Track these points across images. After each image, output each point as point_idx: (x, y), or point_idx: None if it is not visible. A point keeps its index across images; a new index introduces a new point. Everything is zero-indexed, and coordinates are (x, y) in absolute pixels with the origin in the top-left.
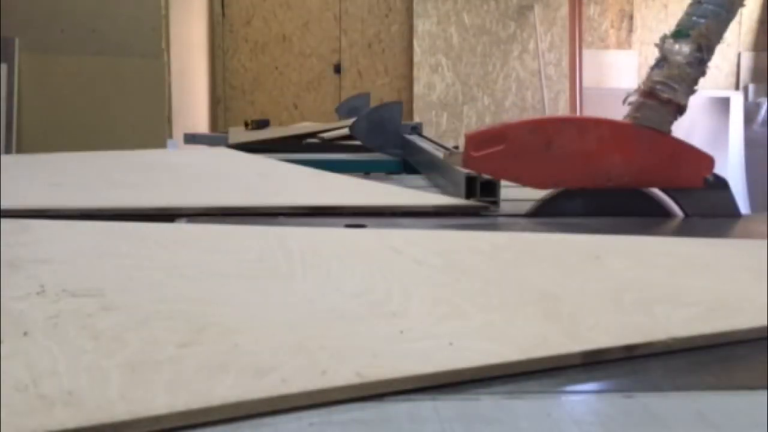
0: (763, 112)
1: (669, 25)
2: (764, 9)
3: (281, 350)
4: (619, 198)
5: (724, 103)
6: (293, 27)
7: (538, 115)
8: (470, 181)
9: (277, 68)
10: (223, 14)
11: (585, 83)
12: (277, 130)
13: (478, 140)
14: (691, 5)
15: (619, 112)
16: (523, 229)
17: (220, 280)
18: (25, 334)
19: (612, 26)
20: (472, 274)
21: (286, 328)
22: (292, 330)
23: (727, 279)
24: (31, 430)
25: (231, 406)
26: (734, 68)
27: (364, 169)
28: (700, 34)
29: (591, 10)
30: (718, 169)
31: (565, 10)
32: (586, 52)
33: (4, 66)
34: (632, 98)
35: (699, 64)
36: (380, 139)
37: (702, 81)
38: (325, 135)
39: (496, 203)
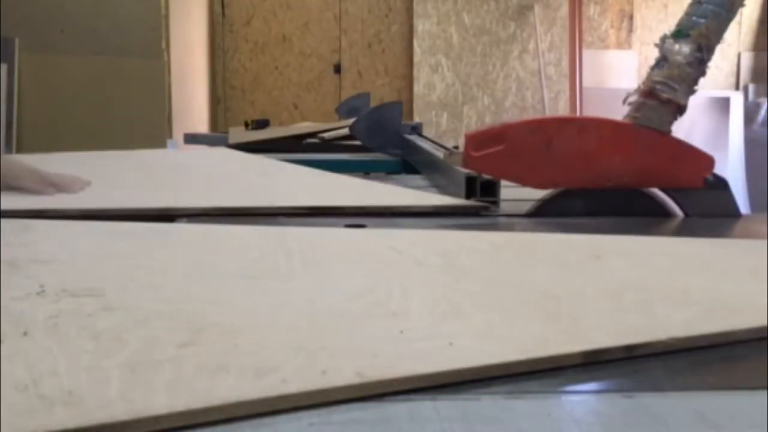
0: (763, 112)
1: (669, 25)
2: (764, 9)
3: (281, 350)
4: (619, 198)
5: (724, 103)
6: (293, 27)
7: (538, 115)
8: (470, 181)
9: (277, 68)
10: (223, 14)
11: (585, 83)
12: (277, 130)
13: (478, 140)
14: (691, 5)
15: (619, 112)
16: (523, 229)
17: (220, 280)
18: (25, 334)
19: (612, 26)
20: (472, 274)
21: (286, 328)
22: (292, 330)
23: (727, 279)
24: (31, 430)
25: (231, 406)
26: (734, 68)
27: (364, 169)
28: (700, 34)
29: (591, 10)
30: (718, 169)
31: (565, 10)
32: (586, 52)
33: (4, 66)
34: (632, 98)
35: (699, 64)
36: (380, 139)
37: (702, 81)
38: (325, 135)
39: (496, 203)
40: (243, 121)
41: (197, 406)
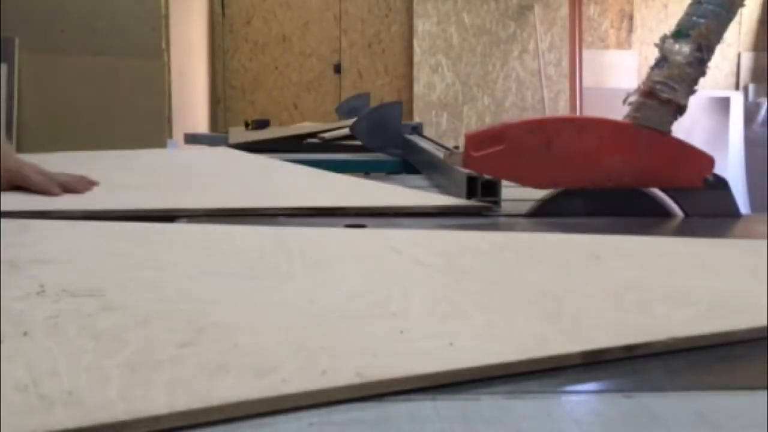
0: (763, 112)
1: (669, 25)
2: (764, 9)
3: (281, 350)
4: (619, 198)
5: (724, 103)
6: (293, 27)
7: (538, 115)
8: (471, 181)
9: (277, 68)
10: (223, 14)
11: (585, 83)
12: (277, 130)
13: (478, 140)
14: (691, 5)
15: (619, 112)
16: (523, 229)
17: (220, 280)
18: (25, 334)
19: (612, 26)
20: (473, 274)
21: (286, 328)
22: (292, 330)
23: (727, 279)
24: (31, 430)
25: (231, 406)
26: (734, 68)
27: (365, 170)
28: (700, 34)
29: (591, 10)
30: (718, 169)
31: (565, 10)
32: (586, 52)
33: (4, 66)
34: (632, 98)
35: (699, 64)
36: (381, 139)
37: (702, 81)
38: (326, 135)
39: (497, 203)
40: (243, 121)
41: (197, 406)
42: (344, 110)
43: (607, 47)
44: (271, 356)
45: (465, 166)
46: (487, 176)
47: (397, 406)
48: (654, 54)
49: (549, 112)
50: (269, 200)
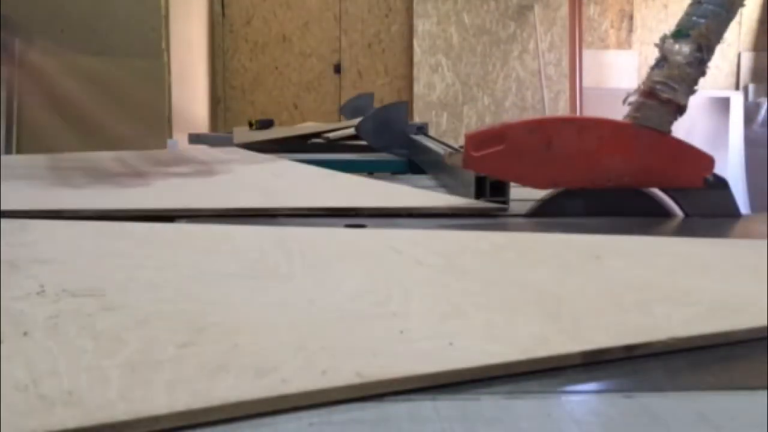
0: (763, 112)
1: (669, 25)
2: (764, 9)
3: (281, 350)
4: (619, 198)
5: (724, 103)
6: (293, 27)
7: (538, 115)
8: (480, 181)
9: (277, 68)
10: (223, 14)
11: (585, 83)
12: (281, 130)
13: (478, 140)
14: (691, 5)
15: (619, 112)
16: (523, 229)
17: (220, 280)
18: (25, 334)
19: (612, 26)
20: (473, 274)
21: (286, 328)
22: (292, 330)
23: (727, 279)
24: (31, 430)
25: (231, 406)
26: (734, 68)
27: (370, 170)
28: (700, 34)
29: (591, 10)
30: (718, 169)
31: (565, 10)
32: (586, 52)
33: (4, 66)
34: (632, 98)
35: (699, 64)
36: (386, 139)
37: (702, 81)
38: (330, 135)
39: (506, 203)
40: (246, 121)
41: (197, 406)
42: (348, 110)
43: (607, 47)
44: (271, 356)
45: (465, 166)
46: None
47: (397, 406)
48: (654, 54)
49: (549, 112)
50: (279, 201)
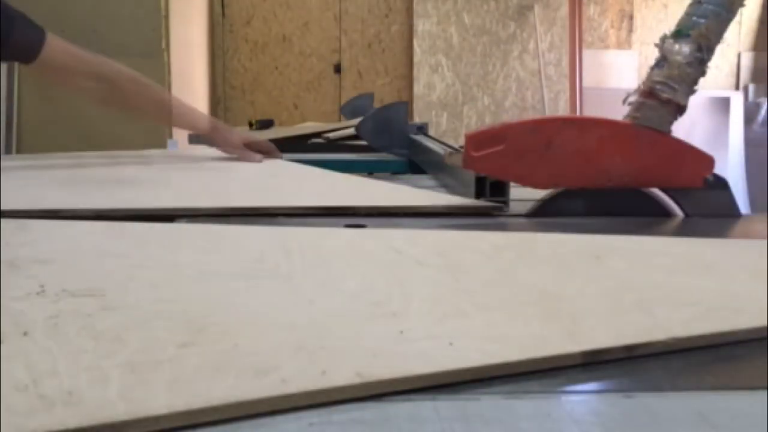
0: (763, 112)
1: (669, 25)
2: (764, 9)
3: (281, 350)
4: (619, 198)
5: (724, 103)
6: (293, 27)
7: (538, 115)
8: (480, 181)
9: (277, 68)
10: (223, 14)
11: (585, 83)
12: (281, 130)
13: (478, 140)
14: (691, 5)
15: (619, 112)
16: (523, 229)
17: (220, 280)
18: (25, 334)
19: (612, 26)
20: (473, 274)
21: (286, 328)
22: (292, 330)
23: (727, 279)
24: (31, 430)
25: (231, 406)
26: (734, 68)
27: (370, 170)
28: (700, 34)
29: (591, 10)
30: (718, 169)
31: (565, 10)
32: (586, 52)
33: (4, 66)
34: (632, 98)
35: (699, 64)
36: (386, 139)
37: (702, 81)
38: (330, 135)
39: (506, 203)
40: (247, 121)
41: (197, 406)
42: (348, 110)
43: (607, 47)
44: (271, 356)
45: (465, 166)
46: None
47: (397, 406)
48: (654, 54)
49: (549, 112)
50: (277, 200)
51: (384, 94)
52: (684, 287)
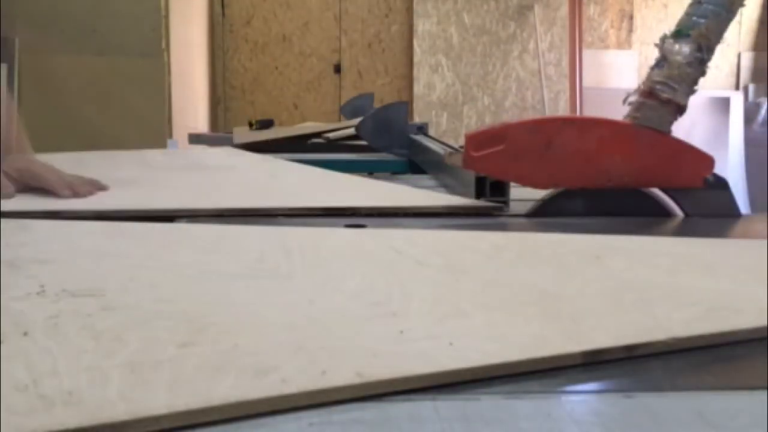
0: (763, 112)
1: (669, 25)
2: (764, 9)
3: (281, 350)
4: (619, 198)
5: (724, 103)
6: (293, 27)
7: (538, 115)
8: (480, 181)
9: (277, 68)
10: (223, 14)
11: (585, 83)
12: (281, 130)
13: (478, 140)
14: (691, 5)
15: (619, 112)
16: (523, 229)
17: (220, 280)
18: (25, 334)
19: (612, 26)
20: (473, 274)
21: (286, 328)
22: (292, 330)
23: (727, 279)
24: (31, 430)
25: (231, 406)
26: (734, 68)
27: (370, 170)
28: (700, 34)
29: (591, 10)
30: (718, 169)
31: (565, 10)
32: (586, 52)
33: (4, 66)
34: (632, 98)
35: (699, 64)
36: (386, 139)
37: (702, 81)
38: (330, 135)
39: (506, 203)
40: (246, 121)
41: (197, 406)
42: (348, 110)
43: (607, 47)
44: (271, 356)
45: (465, 166)
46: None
47: (397, 406)
48: (654, 54)
49: (549, 112)
50: (278, 201)
51: (384, 94)
52: (684, 287)
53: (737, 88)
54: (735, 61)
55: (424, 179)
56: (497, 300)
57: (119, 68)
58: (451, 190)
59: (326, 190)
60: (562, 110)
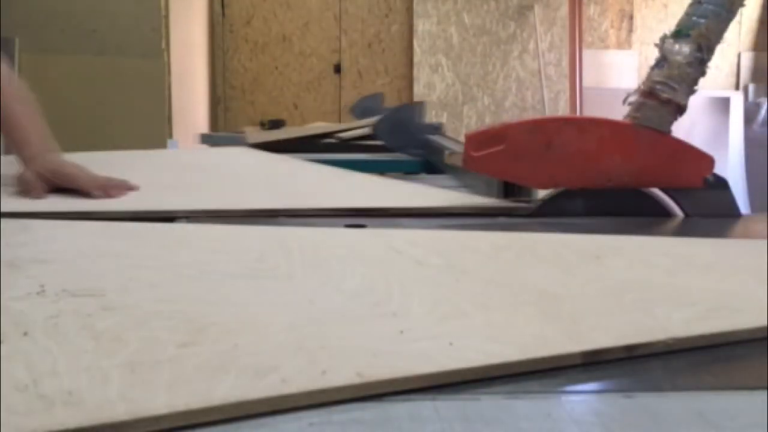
0: (763, 112)
1: (669, 25)
2: (764, 9)
3: (281, 350)
4: (619, 198)
5: (724, 103)
6: (293, 27)
7: (538, 115)
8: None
9: (277, 68)
10: (223, 14)
11: (585, 83)
12: (293, 130)
13: (478, 140)
14: (691, 5)
15: (619, 112)
16: (523, 229)
17: (220, 280)
18: (25, 334)
19: (612, 26)
20: (473, 274)
21: (286, 328)
22: (292, 330)
23: (727, 279)
24: (31, 430)
25: (231, 406)
26: (734, 68)
27: (382, 170)
28: (700, 34)
29: (591, 10)
30: (718, 169)
31: (565, 10)
32: (586, 52)
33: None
34: (632, 98)
35: (699, 64)
36: (403, 140)
37: (702, 81)
38: (343, 135)
39: (530, 203)
40: (250, 121)
41: (197, 406)
42: (358, 111)
43: (607, 47)
44: (271, 356)
45: (465, 166)
46: None
47: (397, 406)
48: (654, 54)
49: (549, 112)
50: (282, 202)
51: (384, 94)
52: (684, 287)
53: (737, 88)
54: (735, 61)
55: (443, 179)
56: (497, 300)
57: (119, 68)
58: (474, 190)
59: (326, 191)
60: (562, 110)
